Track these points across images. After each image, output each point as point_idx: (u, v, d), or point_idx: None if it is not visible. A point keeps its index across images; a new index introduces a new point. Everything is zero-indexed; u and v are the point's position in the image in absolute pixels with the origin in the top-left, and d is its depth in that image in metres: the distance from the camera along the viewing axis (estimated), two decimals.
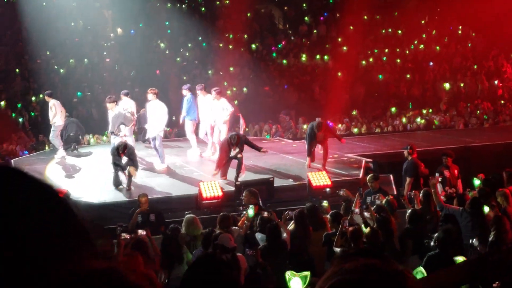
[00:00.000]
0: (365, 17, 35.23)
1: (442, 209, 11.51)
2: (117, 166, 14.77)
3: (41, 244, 1.23)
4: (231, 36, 32.91)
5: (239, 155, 15.07)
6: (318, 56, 32.55)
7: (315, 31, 35.24)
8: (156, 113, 16.80)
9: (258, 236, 10.47)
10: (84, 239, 1.31)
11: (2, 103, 25.68)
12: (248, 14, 35.09)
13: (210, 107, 17.53)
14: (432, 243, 9.12)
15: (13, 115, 25.78)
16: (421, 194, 12.22)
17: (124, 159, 14.60)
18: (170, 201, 14.19)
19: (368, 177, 13.73)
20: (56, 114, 18.50)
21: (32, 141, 23.98)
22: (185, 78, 28.59)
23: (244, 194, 12.54)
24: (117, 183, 14.93)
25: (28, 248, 1.22)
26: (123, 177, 14.88)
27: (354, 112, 26.83)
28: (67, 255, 1.25)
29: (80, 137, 20.82)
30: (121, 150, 14.60)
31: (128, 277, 1.27)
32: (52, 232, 1.26)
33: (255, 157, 18.15)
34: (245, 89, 27.77)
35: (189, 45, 32.47)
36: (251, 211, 11.32)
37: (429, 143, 19.52)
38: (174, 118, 21.93)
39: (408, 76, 31.27)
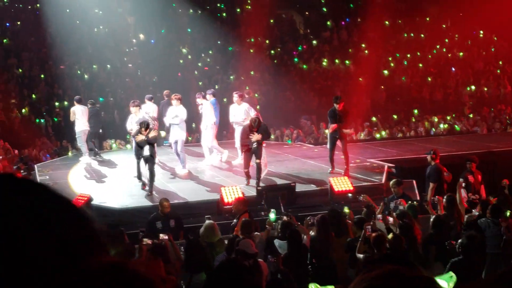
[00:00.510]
0: (387, 22, 35.13)
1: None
2: (139, 157, 14.96)
3: (43, 245, 1.23)
4: (252, 40, 32.96)
5: (257, 160, 14.99)
6: (337, 60, 32.50)
7: (336, 35, 35.19)
8: (179, 118, 16.86)
9: (277, 243, 10.40)
10: (95, 244, 1.31)
11: (24, 110, 25.84)
12: (271, 21, 35.15)
13: (233, 112, 17.49)
14: (457, 249, 9.05)
15: (37, 120, 25.97)
16: (444, 200, 12.14)
17: (146, 151, 14.69)
18: (191, 206, 14.20)
19: (391, 182, 13.65)
20: (75, 120, 18.66)
21: (55, 146, 24.15)
22: (200, 83, 28.79)
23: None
24: (139, 175, 15.25)
25: (29, 249, 1.22)
26: (144, 170, 15.03)
27: (373, 119, 26.65)
28: (76, 258, 1.26)
29: (100, 131, 20.97)
30: (144, 127, 14.80)
31: (138, 271, 1.28)
32: (59, 234, 1.27)
33: (276, 162, 18.17)
34: (256, 94, 27.76)
35: (210, 52, 32.54)
36: (272, 215, 11.29)
37: (452, 148, 19.40)
38: (194, 125, 22.02)
39: (430, 79, 31.12)
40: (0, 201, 1.25)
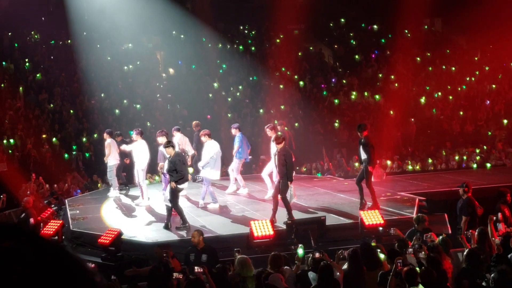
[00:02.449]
0: (418, 59, 35.12)
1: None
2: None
3: None
4: (283, 69, 33.11)
5: (279, 195, 14.87)
6: (366, 93, 32.47)
7: (365, 68, 35.25)
8: (210, 153, 16.88)
9: (311, 275, 10.31)
10: None
11: (54, 139, 26.19)
12: (299, 54, 35.34)
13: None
14: (490, 283, 8.89)
15: (66, 156, 26.17)
16: (476, 233, 11.97)
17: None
18: (221, 240, 14.14)
19: (414, 218, 13.54)
20: (110, 154, 18.77)
21: (86, 180, 24.32)
22: (229, 115, 28.91)
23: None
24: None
25: None
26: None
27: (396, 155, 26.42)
28: None
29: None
30: (165, 145, 14.99)
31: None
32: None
33: (307, 196, 18.10)
34: (286, 128, 27.80)
35: (240, 87, 32.74)
36: (301, 251, 11.21)
37: (484, 181, 19.17)
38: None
39: (461, 113, 30.94)
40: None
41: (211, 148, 16.97)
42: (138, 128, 18.36)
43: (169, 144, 15.16)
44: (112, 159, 18.84)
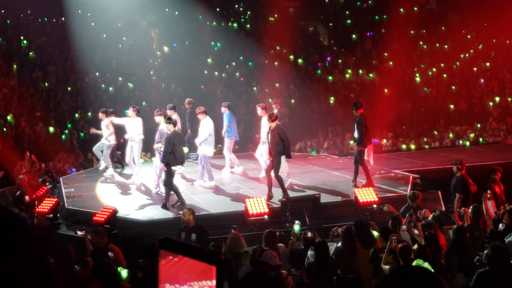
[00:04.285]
0: (412, 32, 35.04)
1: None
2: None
3: None
4: (277, 48, 33.01)
5: (273, 174, 14.93)
6: (361, 71, 32.41)
7: (360, 46, 35.21)
8: (208, 130, 16.87)
9: (309, 252, 10.31)
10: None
11: (51, 128, 26.03)
12: (293, 32, 35.21)
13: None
14: (483, 260, 8.96)
15: (63, 135, 26.14)
16: (470, 210, 12.04)
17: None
18: (216, 218, 14.20)
19: (408, 195, 13.60)
20: (113, 133, 18.64)
21: (81, 158, 24.30)
22: (218, 92, 28.93)
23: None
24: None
25: None
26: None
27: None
28: None
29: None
30: (166, 121, 15.07)
31: None
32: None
33: (301, 174, 18.15)
34: (293, 100, 27.75)
35: (233, 63, 32.67)
36: (297, 227, 11.26)
37: (477, 158, 19.23)
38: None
39: (453, 87, 30.95)
40: None
41: (209, 125, 16.94)
42: (135, 106, 18.31)
43: (171, 120, 15.23)
44: (112, 138, 18.68)
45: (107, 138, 18.48)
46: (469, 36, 35.66)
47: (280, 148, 14.82)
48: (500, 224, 11.68)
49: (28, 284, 1.35)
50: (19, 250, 1.37)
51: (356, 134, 15.80)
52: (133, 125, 17.41)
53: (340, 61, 33.88)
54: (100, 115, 18.97)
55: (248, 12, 38.08)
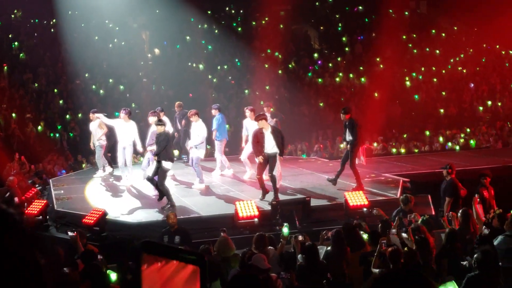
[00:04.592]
0: (404, 37, 35.17)
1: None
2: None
3: None
4: (268, 51, 33.02)
5: (269, 174, 15.00)
6: (351, 75, 32.48)
7: (347, 49, 35.28)
8: (203, 133, 16.87)
9: (299, 256, 10.32)
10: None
11: (40, 127, 25.93)
12: (284, 35, 35.23)
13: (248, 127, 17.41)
14: (472, 263, 8.98)
15: (51, 135, 26.07)
16: (459, 214, 12.05)
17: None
18: (206, 220, 14.18)
19: (400, 199, 13.62)
20: (106, 131, 18.62)
21: (70, 160, 24.22)
22: (213, 95, 28.88)
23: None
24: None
25: None
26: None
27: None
28: None
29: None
30: (156, 123, 15.04)
31: None
32: None
33: (291, 177, 18.15)
34: (272, 109, 27.73)
35: (225, 66, 32.66)
36: (285, 230, 11.25)
37: (467, 163, 19.29)
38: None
39: (444, 93, 31.04)
40: None
41: (203, 128, 16.96)
42: (127, 108, 18.26)
43: (161, 122, 15.23)
44: (104, 138, 18.66)
45: (100, 137, 18.48)
46: (459, 41, 35.80)
47: (275, 148, 14.90)
48: (484, 227, 11.75)
49: (16, 278, 1.35)
50: (7, 243, 1.37)
51: (349, 137, 15.85)
52: (125, 128, 17.34)
53: (330, 64, 33.93)
54: (91, 115, 18.97)
55: (240, 15, 38.08)
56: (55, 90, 29.01)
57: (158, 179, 14.83)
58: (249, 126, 17.10)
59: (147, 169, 16.20)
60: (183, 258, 1.94)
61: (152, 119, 16.67)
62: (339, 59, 34.31)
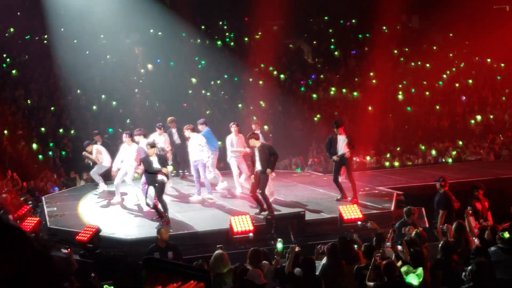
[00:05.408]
0: (395, 51, 35.32)
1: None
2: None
3: None
4: (262, 65, 33.07)
5: (259, 191, 14.99)
6: (344, 90, 32.59)
7: (343, 64, 35.39)
8: (202, 142, 16.93)
9: (296, 269, 10.27)
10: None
11: (34, 145, 25.83)
12: (277, 50, 35.32)
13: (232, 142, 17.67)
14: (466, 276, 8.97)
15: (43, 154, 25.91)
16: (453, 227, 12.06)
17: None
18: (201, 236, 14.13)
19: (404, 210, 13.61)
20: (105, 157, 18.70)
21: (63, 177, 24.12)
22: (208, 112, 28.87)
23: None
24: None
25: None
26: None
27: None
28: None
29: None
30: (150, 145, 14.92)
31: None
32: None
33: (286, 190, 18.14)
34: (265, 126, 27.75)
35: (218, 81, 32.69)
36: (279, 245, 11.22)
37: (460, 175, 19.32)
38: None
39: (438, 107, 31.13)
40: None
41: (201, 137, 17.17)
42: (127, 131, 18.22)
43: (154, 145, 15.17)
44: (106, 161, 18.67)
45: (99, 161, 18.68)
46: (451, 54, 35.97)
47: (267, 165, 14.94)
48: (475, 239, 11.78)
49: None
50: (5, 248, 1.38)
51: (342, 150, 15.95)
52: (129, 152, 17.23)
53: (322, 76, 34.04)
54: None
55: (233, 30, 38.18)
56: (52, 108, 28.93)
57: (156, 193, 14.77)
58: (234, 140, 17.52)
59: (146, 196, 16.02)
60: (188, 274, 1.92)
61: (138, 138, 16.79)
62: (332, 73, 34.39)
